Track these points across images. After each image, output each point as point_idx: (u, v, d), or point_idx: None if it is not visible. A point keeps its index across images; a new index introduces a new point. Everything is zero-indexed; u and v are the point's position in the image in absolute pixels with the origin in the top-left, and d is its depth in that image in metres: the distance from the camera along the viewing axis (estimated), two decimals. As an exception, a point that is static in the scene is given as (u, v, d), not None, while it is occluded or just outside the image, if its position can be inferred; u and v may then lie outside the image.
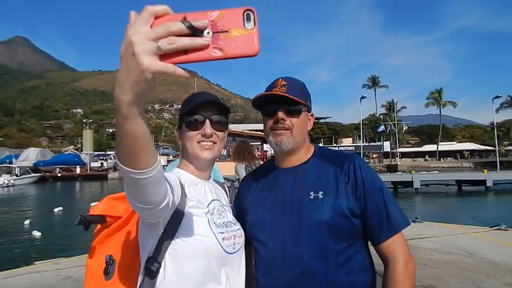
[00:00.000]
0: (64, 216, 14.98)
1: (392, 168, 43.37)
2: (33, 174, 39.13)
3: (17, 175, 37.56)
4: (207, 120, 1.20)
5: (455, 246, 5.74)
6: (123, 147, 0.71)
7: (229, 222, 1.22)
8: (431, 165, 54.59)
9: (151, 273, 1.05)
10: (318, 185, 1.24)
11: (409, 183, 22.56)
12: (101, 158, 55.69)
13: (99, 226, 1.27)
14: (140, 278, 1.09)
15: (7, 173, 37.52)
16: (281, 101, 1.25)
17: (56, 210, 13.63)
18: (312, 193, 1.22)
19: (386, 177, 25.22)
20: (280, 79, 1.29)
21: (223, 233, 1.13)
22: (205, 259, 1.07)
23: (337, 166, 1.26)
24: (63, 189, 31.55)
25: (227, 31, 0.57)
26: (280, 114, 1.25)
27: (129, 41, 0.56)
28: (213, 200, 1.23)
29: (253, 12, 0.58)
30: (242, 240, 1.24)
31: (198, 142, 1.20)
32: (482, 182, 22.94)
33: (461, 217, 12.15)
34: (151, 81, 0.59)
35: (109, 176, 43.85)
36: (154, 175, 0.77)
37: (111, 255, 1.22)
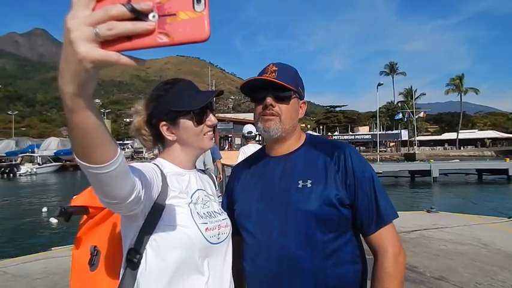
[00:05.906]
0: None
1: (410, 157, 42.51)
2: (54, 163, 40.14)
3: (39, 164, 38.71)
4: (209, 112, 1.19)
5: (470, 237, 5.60)
6: (76, 142, 0.67)
7: (214, 212, 1.19)
8: (450, 153, 53.23)
9: (133, 264, 1.04)
10: (307, 173, 1.20)
11: (427, 172, 21.91)
12: (120, 147, 57.12)
13: (85, 217, 1.26)
14: (122, 269, 1.08)
15: (30, 162, 38.73)
16: (270, 87, 1.20)
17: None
18: (300, 182, 1.18)
19: (404, 166, 24.77)
20: (271, 64, 1.24)
21: (206, 223, 1.11)
22: (187, 250, 1.04)
23: (327, 155, 1.21)
24: (82, 177, 32.06)
25: (174, 14, 0.51)
26: (269, 100, 1.20)
27: (66, 27, 0.51)
28: (198, 189, 1.20)
29: None
30: (228, 230, 1.21)
31: (204, 134, 1.19)
32: (504, 171, 21.97)
33: (480, 207, 11.83)
34: (92, 70, 0.54)
35: (127, 164, 44.68)
36: (114, 169, 0.73)
37: (95, 246, 1.21)
